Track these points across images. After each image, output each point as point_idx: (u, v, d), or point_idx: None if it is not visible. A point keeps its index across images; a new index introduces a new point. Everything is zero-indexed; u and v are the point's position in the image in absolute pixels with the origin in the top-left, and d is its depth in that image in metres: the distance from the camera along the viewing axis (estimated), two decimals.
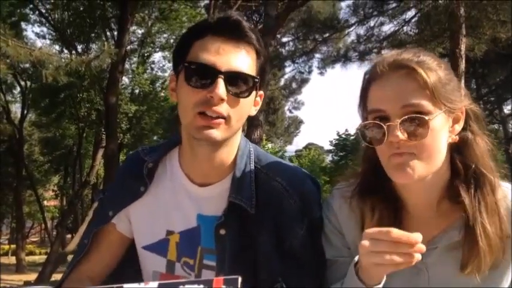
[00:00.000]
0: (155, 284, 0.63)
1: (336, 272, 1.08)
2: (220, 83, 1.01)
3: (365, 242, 0.87)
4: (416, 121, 0.94)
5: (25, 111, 17.74)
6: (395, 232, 0.85)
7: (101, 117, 14.67)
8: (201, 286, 0.61)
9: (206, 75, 1.02)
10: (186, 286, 0.62)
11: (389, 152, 0.97)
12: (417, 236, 0.85)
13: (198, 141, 1.07)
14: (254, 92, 1.09)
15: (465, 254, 0.99)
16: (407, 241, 0.84)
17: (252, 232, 1.09)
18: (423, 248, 0.85)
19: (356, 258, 0.94)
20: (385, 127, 0.95)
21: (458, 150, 1.03)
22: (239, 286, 0.62)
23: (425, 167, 0.96)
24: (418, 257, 0.85)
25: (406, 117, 0.94)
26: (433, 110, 0.95)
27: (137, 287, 0.63)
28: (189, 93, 1.04)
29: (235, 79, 1.03)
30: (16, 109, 19.34)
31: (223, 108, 1.02)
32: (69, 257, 10.66)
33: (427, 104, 0.95)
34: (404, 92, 0.96)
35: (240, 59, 1.05)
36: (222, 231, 1.09)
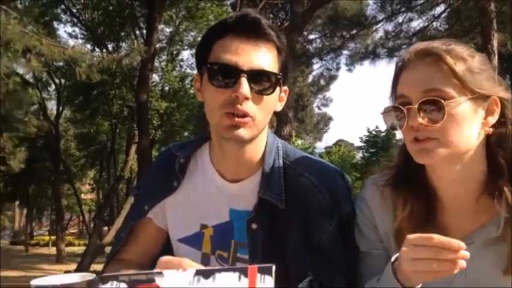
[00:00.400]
0: (193, 270, 0.64)
1: (370, 264, 1.08)
2: (244, 82, 1.03)
3: (406, 249, 0.85)
4: (435, 105, 0.94)
5: (60, 108, 18.25)
6: (437, 238, 0.82)
7: (132, 114, 14.93)
8: (237, 273, 0.62)
9: (229, 75, 1.05)
10: (222, 273, 0.63)
11: (410, 136, 0.97)
12: (460, 242, 0.81)
13: (226, 140, 1.09)
14: (278, 88, 1.10)
15: (510, 253, 0.96)
16: (450, 247, 0.81)
17: (281, 227, 1.11)
18: (467, 254, 0.82)
19: (393, 258, 0.92)
20: (405, 110, 0.96)
21: (499, 143, 1.01)
22: (273, 274, 0.61)
23: (447, 151, 0.95)
24: (462, 264, 0.82)
25: (423, 99, 0.94)
26: (456, 96, 0.95)
27: (176, 273, 0.64)
28: (213, 94, 1.06)
29: (258, 77, 1.05)
30: (52, 106, 19.90)
31: (248, 107, 1.04)
32: (107, 249, 10.92)
33: (450, 91, 0.95)
34: (428, 78, 0.96)
35: (261, 57, 1.07)
36: (254, 226, 1.11)
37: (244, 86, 1.03)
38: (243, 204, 1.15)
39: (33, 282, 0.74)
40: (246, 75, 1.04)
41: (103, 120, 18.10)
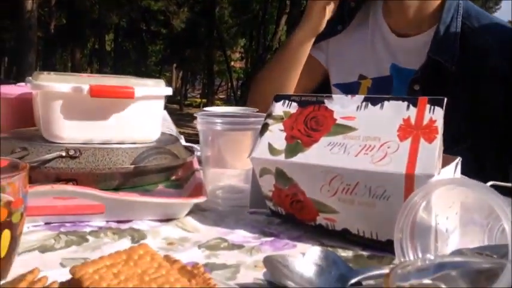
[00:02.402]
0: (361, 97, 0.65)
1: None
2: None
3: None
4: None
5: None
6: None
7: None
8: (406, 103, 0.62)
9: None
10: (391, 101, 0.63)
11: None
12: None
13: None
14: None
15: None
16: None
17: (447, 93, 1.10)
18: None
19: None
20: None
21: None
22: (443, 106, 0.61)
23: None
24: None
25: None
26: None
27: (345, 97, 0.65)
28: None
29: None
30: None
31: None
32: None
33: None
34: None
35: None
36: (416, 87, 1.08)
37: None
38: (408, 62, 1.11)
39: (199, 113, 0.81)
40: None
41: None
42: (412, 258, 0.55)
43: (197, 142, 0.92)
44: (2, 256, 0.47)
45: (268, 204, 0.70)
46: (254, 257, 0.59)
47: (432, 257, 0.33)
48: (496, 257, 0.54)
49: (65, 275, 0.44)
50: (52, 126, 0.79)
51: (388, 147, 0.61)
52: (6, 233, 0.48)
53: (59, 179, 0.78)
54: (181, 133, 1.19)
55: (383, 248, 0.61)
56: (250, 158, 0.68)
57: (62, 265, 0.55)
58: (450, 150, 0.66)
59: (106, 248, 0.60)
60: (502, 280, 0.37)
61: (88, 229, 0.66)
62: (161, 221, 0.69)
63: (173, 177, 0.90)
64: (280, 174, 0.65)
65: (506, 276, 0.35)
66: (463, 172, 0.70)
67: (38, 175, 0.76)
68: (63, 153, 0.78)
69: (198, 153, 0.95)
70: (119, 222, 0.68)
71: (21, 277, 0.40)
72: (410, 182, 0.58)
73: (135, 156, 0.82)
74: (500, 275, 0.38)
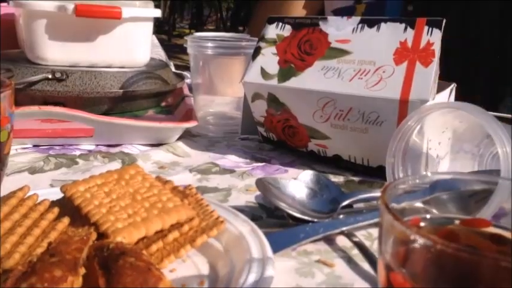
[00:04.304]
0: (357, 18, 0.63)
1: None
2: None
3: None
4: None
5: None
6: None
7: None
8: (403, 24, 0.60)
9: None
10: (388, 23, 0.61)
11: None
12: None
13: None
14: None
15: None
16: None
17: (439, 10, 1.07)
18: None
19: None
20: None
21: None
22: (442, 29, 0.58)
23: None
24: None
25: None
26: None
27: (340, 18, 0.64)
28: None
29: None
30: None
31: None
32: None
33: None
34: None
35: None
36: (410, 8, 1.06)
37: None
38: None
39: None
40: None
41: None
42: None
43: (185, 69, 0.90)
44: None
45: (260, 130, 0.70)
46: (246, 181, 0.59)
47: (429, 174, 0.33)
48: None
49: (54, 194, 0.43)
50: (36, 47, 0.76)
51: (383, 72, 0.59)
52: None
53: (46, 102, 0.76)
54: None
55: (374, 174, 0.61)
56: (242, 83, 0.66)
57: (52, 186, 0.54)
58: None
59: (96, 170, 0.59)
60: (490, 206, 0.37)
61: (78, 152, 0.65)
62: (152, 145, 0.69)
63: (163, 103, 0.89)
64: (273, 99, 0.64)
65: (494, 203, 0.35)
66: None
67: (24, 98, 0.74)
68: (49, 76, 0.76)
69: (188, 81, 0.94)
70: (108, 146, 0.68)
71: (12, 194, 0.40)
72: (404, 107, 0.57)
73: (123, 81, 0.80)
74: (488, 200, 0.38)
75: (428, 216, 0.32)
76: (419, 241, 0.23)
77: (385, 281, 0.26)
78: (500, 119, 0.70)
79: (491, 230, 0.31)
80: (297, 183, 0.50)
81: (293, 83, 0.63)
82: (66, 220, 0.39)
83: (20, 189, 0.40)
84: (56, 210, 0.40)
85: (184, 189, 0.45)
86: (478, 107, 0.50)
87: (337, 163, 0.64)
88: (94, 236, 0.37)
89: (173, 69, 1.03)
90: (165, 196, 0.42)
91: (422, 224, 0.31)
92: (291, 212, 0.45)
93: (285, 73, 0.64)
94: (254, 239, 0.40)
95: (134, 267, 0.31)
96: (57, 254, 0.32)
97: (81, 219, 0.40)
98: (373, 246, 0.44)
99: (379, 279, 0.28)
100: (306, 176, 0.52)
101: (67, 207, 0.41)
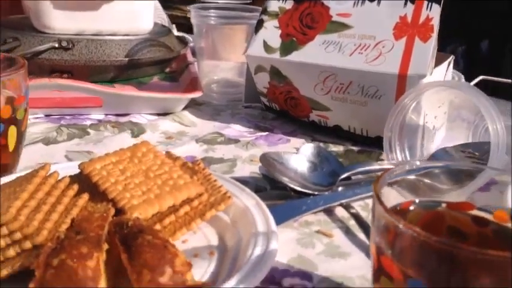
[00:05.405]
0: None
1: None
2: None
3: None
4: None
5: None
6: None
7: None
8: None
9: None
10: None
11: None
12: None
13: None
14: None
15: None
16: None
17: None
18: None
19: None
20: None
21: None
22: (441, 3, 0.60)
23: None
24: None
25: None
26: None
27: None
28: None
29: None
30: None
31: None
32: None
33: None
34: None
35: None
36: None
37: None
38: None
39: None
40: None
41: None
42: (399, 154, 0.58)
43: (187, 26, 0.91)
44: (11, 150, 0.50)
45: (263, 100, 0.72)
46: (250, 151, 0.62)
47: (418, 162, 0.36)
48: (478, 154, 0.57)
49: (72, 168, 0.46)
50: (42, 15, 0.78)
51: (383, 47, 0.61)
52: (12, 129, 0.50)
53: (53, 70, 0.78)
54: (169, 16, 1.17)
55: (372, 144, 0.64)
56: (245, 56, 0.68)
57: (68, 158, 0.58)
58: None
59: (107, 141, 0.62)
60: (478, 181, 0.40)
61: (88, 122, 0.68)
62: (159, 115, 0.71)
63: (167, 70, 0.91)
64: (275, 72, 0.66)
65: (482, 178, 0.38)
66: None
67: (32, 66, 0.75)
68: (56, 45, 0.77)
69: (191, 44, 0.95)
70: (117, 115, 0.70)
71: (35, 172, 0.42)
72: (402, 82, 0.59)
73: (128, 49, 0.82)
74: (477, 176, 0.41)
75: (417, 200, 0.35)
76: (407, 232, 0.27)
77: (377, 262, 0.30)
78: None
79: (475, 212, 0.34)
80: (299, 157, 0.53)
81: (295, 56, 0.64)
82: (85, 196, 0.42)
83: (42, 167, 0.43)
84: (75, 187, 0.43)
85: (193, 165, 0.48)
86: (471, 85, 0.52)
87: (338, 133, 0.67)
88: (112, 211, 0.40)
89: (175, 32, 1.04)
90: (176, 173, 0.45)
91: (411, 207, 0.34)
92: (293, 186, 0.48)
93: (287, 47, 0.65)
94: (259, 212, 0.43)
95: (152, 245, 0.34)
96: (81, 231, 0.36)
97: (99, 195, 0.43)
98: (369, 217, 0.48)
99: (371, 261, 0.31)
100: (307, 149, 0.54)
101: (84, 182, 0.45)
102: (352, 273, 0.39)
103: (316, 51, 0.63)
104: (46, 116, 0.69)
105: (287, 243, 0.43)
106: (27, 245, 0.36)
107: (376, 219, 0.29)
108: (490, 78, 0.89)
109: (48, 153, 0.58)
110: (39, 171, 0.43)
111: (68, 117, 0.69)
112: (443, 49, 0.69)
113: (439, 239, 0.25)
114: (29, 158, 0.55)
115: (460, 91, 0.52)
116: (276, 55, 0.65)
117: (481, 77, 0.87)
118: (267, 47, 0.66)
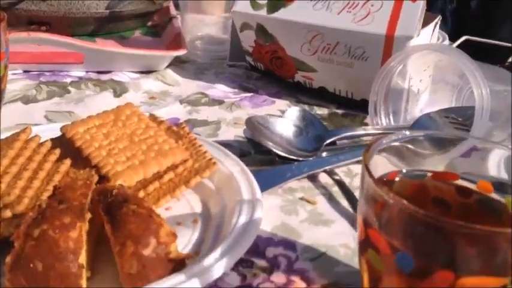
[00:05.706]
0: None
1: None
2: None
3: None
4: None
5: None
6: None
7: None
8: None
9: None
10: None
11: None
12: None
13: None
14: None
15: None
16: None
17: None
18: None
19: None
20: None
21: None
22: None
23: None
24: None
25: None
26: None
27: None
28: None
29: None
30: None
31: None
32: None
33: None
34: None
35: None
36: None
37: None
38: None
39: None
40: None
41: None
42: (383, 119, 0.58)
43: None
44: None
45: (248, 59, 0.71)
46: (234, 113, 0.61)
47: (407, 132, 0.36)
48: (461, 120, 0.58)
49: (53, 131, 0.45)
50: None
51: (372, 6, 0.60)
52: None
53: (31, 21, 0.75)
54: None
55: (356, 107, 0.63)
56: (231, 12, 0.66)
57: (47, 118, 0.56)
58: None
59: (89, 100, 0.61)
60: (460, 148, 0.41)
61: (68, 79, 0.66)
62: (141, 72, 0.70)
63: (149, 23, 0.88)
64: (261, 30, 0.65)
65: (463, 146, 0.38)
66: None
67: (9, 17, 0.73)
68: None
69: None
70: (99, 72, 0.69)
71: (15, 136, 0.41)
72: (389, 43, 0.58)
73: (109, 1, 0.79)
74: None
75: (404, 170, 0.35)
76: (395, 204, 0.27)
77: (364, 234, 0.30)
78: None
79: (459, 182, 0.35)
80: (284, 121, 0.52)
81: (282, 14, 0.63)
82: (68, 161, 0.41)
83: (23, 131, 0.42)
84: (57, 151, 0.42)
85: (178, 129, 0.47)
86: (458, 49, 0.52)
87: (323, 95, 0.66)
88: (95, 178, 0.40)
89: None
90: (161, 138, 0.44)
91: (397, 178, 0.35)
92: (278, 151, 0.48)
93: (274, 4, 0.64)
94: (244, 179, 0.43)
95: (137, 215, 0.34)
96: (64, 200, 0.35)
97: (82, 160, 0.42)
98: (352, 183, 0.48)
99: (358, 232, 0.31)
100: (293, 112, 0.54)
101: (66, 146, 0.44)
102: (335, 241, 0.40)
103: (303, 9, 0.62)
104: (25, 71, 0.67)
105: (271, 210, 0.43)
106: (7, 213, 0.36)
107: (364, 190, 0.29)
108: (474, 39, 0.88)
109: (28, 113, 0.57)
110: (20, 134, 0.42)
111: (47, 73, 0.67)
112: (433, 6, 0.68)
113: (426, 213, 0.25)
114: (7, 118, 0.53)
115: (446, 55, 0.52)
116: (263, 12, 0.64)
117: (464, 37, 0.86)
118: (254, 3, 0.65)
